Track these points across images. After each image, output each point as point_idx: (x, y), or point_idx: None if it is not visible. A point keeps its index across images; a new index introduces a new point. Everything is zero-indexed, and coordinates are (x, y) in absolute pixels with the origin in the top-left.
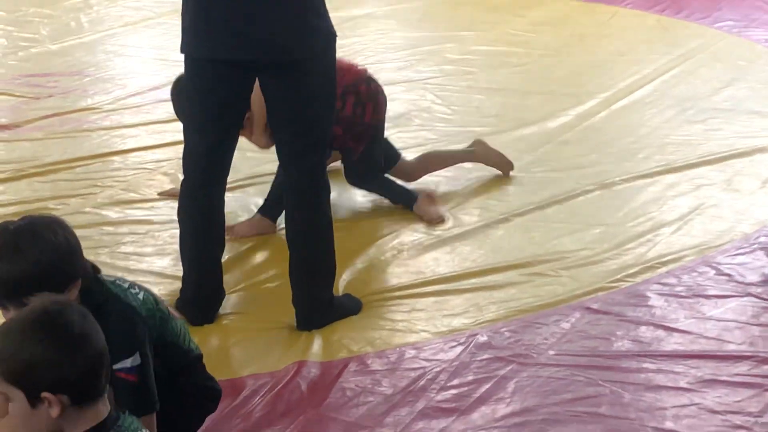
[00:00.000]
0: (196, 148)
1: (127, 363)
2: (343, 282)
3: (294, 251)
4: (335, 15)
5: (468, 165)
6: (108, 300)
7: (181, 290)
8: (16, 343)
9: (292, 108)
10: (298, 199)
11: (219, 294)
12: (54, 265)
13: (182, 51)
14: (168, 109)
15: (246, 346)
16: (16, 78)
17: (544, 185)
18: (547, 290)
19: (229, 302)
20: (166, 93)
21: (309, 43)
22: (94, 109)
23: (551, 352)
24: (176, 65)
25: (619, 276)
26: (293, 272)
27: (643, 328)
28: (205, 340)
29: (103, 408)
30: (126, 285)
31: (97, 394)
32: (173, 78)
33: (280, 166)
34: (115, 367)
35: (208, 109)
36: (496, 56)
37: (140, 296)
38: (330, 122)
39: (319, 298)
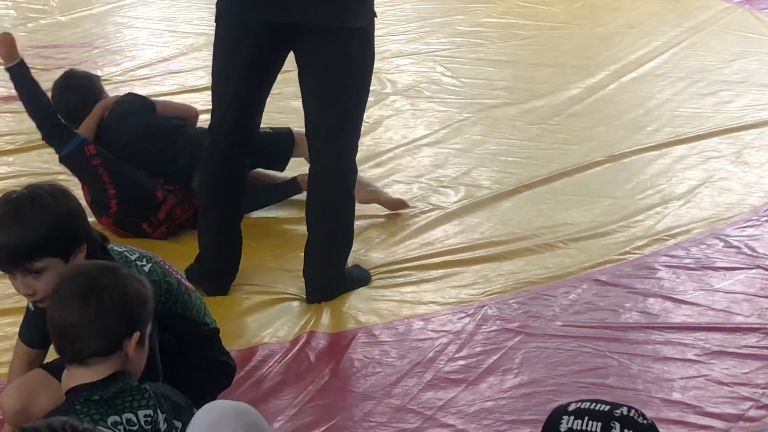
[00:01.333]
0: (221, 108)
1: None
2: (352, 253)
3: (315, 225)
4: None
5: (477, 137)
6: None
7: (198, 259)
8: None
9: (329, 82)
10: (325, 178)
11: (236, 264)
12: (55, 231)
13: (217, 19)
14: (177, 81)
15: (255, 317)
16: (26, 49)
17: (553, 158)
18: (555, 262)
19: (238, 274)
20: (176, 65)
21: (353, 14)
22: (104, 80)
23: (559, 324)
24: (186, 36)
25: (627, 248)
26: (311, 246)
27: (651, 300)
28: (215, 311)
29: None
30: (134, 256)
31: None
32: (183, 49)
33: None
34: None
35: (239, 66)
36: (506, 28)
37: (146, 268)
38: (364, 105)
39: (332, 272)
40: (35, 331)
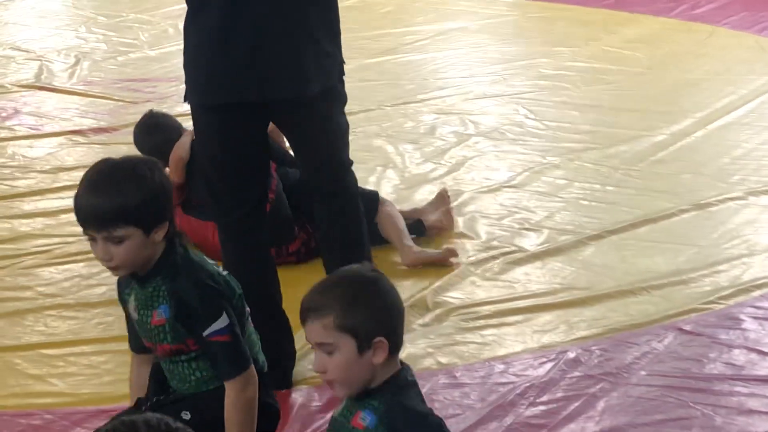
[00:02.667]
0: (228, 199)
1: (218, 325)
2: (430, 292)
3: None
4: (430, 28)
5: (561, 181)
6: (186, 263)
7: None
8: (353, 296)
9: (314, 146)
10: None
11: (293, 351)
12: (147, 202)
13: (186, 100)
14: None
15: None
16: (116, 82)
17: (637, 204)
18: (638, 309)
19: None
20: None
21: (323, 75)
22: (189, 115)
23: (642, 372)
24: None
25: (712, 298)
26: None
27: (736, 351)
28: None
29: (398, 361)
30: (211, 261)
31: (400, 347)
32: None
33: None
34: (207, 332)
35: (230, 152)
36: (590, 72)
37: (224, 273)
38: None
39: None
40: (133, 337)
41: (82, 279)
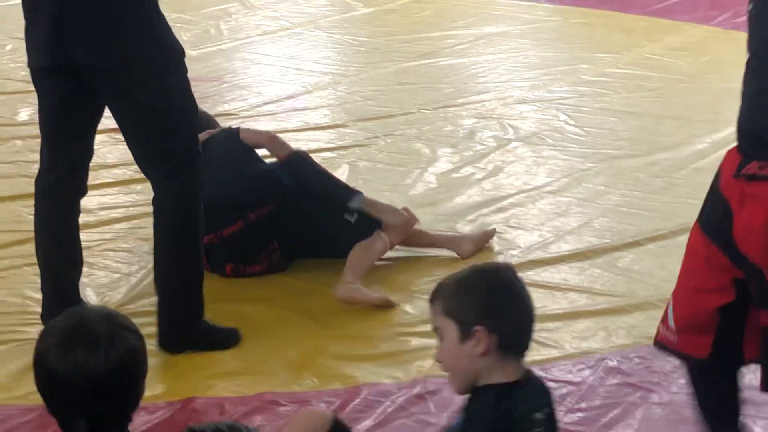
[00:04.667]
0: (45, 167)
1: None
2: None
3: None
4: (470, 32)
5: (600, 188)
6: None
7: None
8: (463, 282)
9: (131, 125)
10: (163, 220)
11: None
12: None
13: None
14: (302, 118)
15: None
16: None
17: (677, 211)
18: None
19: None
20: (302, 102)
21: (124, 47)
22: (231, 114)
23: (681, 381)
24: (312, 75)
25: None
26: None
27: None
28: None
29: (518, 371)
30: None
31: (519, 353)
32: (309, 87)
33: None
34: None
35: (50, 124)
36: (631, 79)
37: None
38: (184, 141)
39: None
40: None
41: (122, 276)
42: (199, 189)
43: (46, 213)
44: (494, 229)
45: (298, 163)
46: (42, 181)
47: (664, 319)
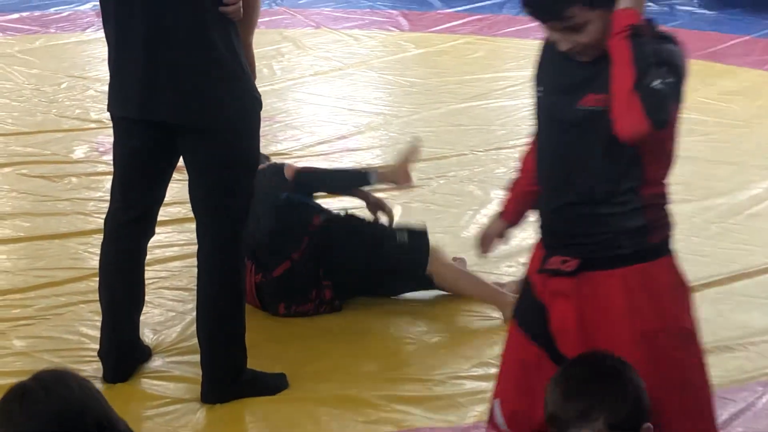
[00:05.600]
0: (116, 207)
1: None
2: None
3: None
4: (521, 74)
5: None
6: None
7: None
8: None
9: (205, 177)
10: (209, 269)
11: (134, 353)
12: None
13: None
14: (354, 158)
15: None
16: None
17: (733, 257)
18: (735, 365)
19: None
20: (354, 142)
21: (220, 109)
22: (284, 154)
23: (739, 429)
24: (364, 115)
25: None
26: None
27: None
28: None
29: None
30: None
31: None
32: (361, 127)
33: None
34: None
35: (126, 168)
36: (686, 123)
37: None
38: (247, 196)
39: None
40: None
41: (177, 315)
42: (242, 241)
43: (114, 252)
44: None
45: (305, 177)
46: (112, 220)
47: (491, 419)
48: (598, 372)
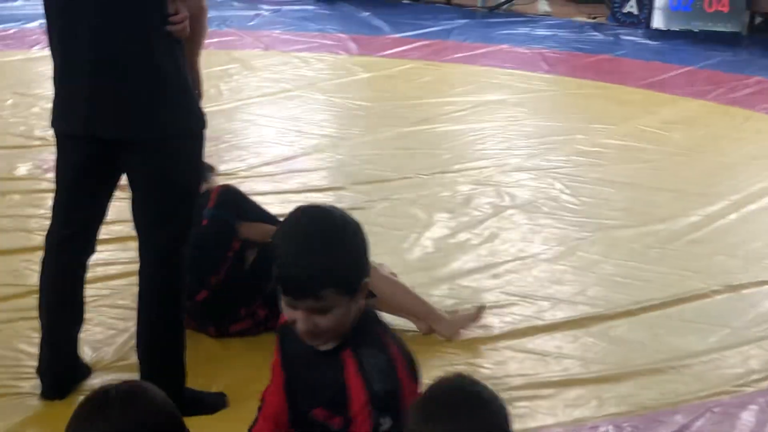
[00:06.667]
0: (58, 224)
1: None
2: (463, 364)
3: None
4: (468, 99)
5: (595, 257)
6: None
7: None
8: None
9: (147, 195)
10: (150, 287)
11: (73, 370)
12: None
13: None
14: (299, 180)
15: None
16: None
17: (671, 282)
18: (670, 388)
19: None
20: (299, 164)
21: (163, 126)
22: (229, 175)
23: None
24: (311, 137)
25: (743, 381)
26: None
27: None
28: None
29: None
30: None
31: None
32: (308, 149)
33: None
34: None
35: (69, 184)
36: (627, 151)
37: None
38: (188, 214)
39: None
40: None
41: (117, 332)
42: (184, 259)
43: (54, 269)
44: (484, 306)
45: (232, 196)
46: (53, 237)
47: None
48: (464, 396)
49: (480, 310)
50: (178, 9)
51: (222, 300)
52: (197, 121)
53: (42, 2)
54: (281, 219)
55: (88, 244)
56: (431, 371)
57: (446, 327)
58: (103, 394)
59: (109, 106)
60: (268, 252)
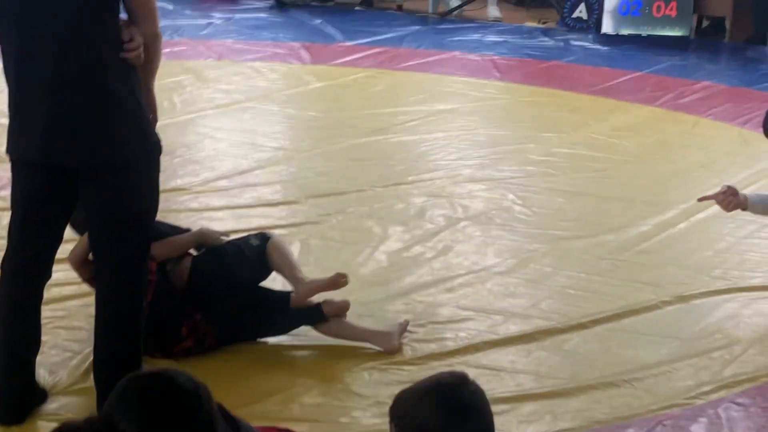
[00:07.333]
0: (14, 250)
1: None
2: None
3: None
4: (421, 108)
5: (547, 269)
6: None
7: None
8: (412, 404)
9: (104, 218)
10: (106, 310)
11: (30, 395)
12: None
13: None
14: (253, 194)
15: None
16: None
17: (622, 294)
18: (622, 402)
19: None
20: (254, 177)
21: (119, 151)
22: (183, 189)
23: None
24: (265, 150)
25: (693, 393)
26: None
27: None
28: None
29: None
30: None
31: None
32: (262, 162)
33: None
34: None
35: (25, 211)
36: (578, 159)
37: None
38: (145, 237)
39: None
40: None
41: (73, 354)
42: (143, 282)
43: (11, 295)
44: (407, 321)
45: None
46: (10, 263)
47: None
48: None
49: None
50: (132, 36)
51: (159, 322)
52: (153, 146)
53: None
54: (178, 226)
55: (44, 270)
56: (390, 387)
57: (387, 340)
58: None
59: (65, 133)
60: (199, 264)
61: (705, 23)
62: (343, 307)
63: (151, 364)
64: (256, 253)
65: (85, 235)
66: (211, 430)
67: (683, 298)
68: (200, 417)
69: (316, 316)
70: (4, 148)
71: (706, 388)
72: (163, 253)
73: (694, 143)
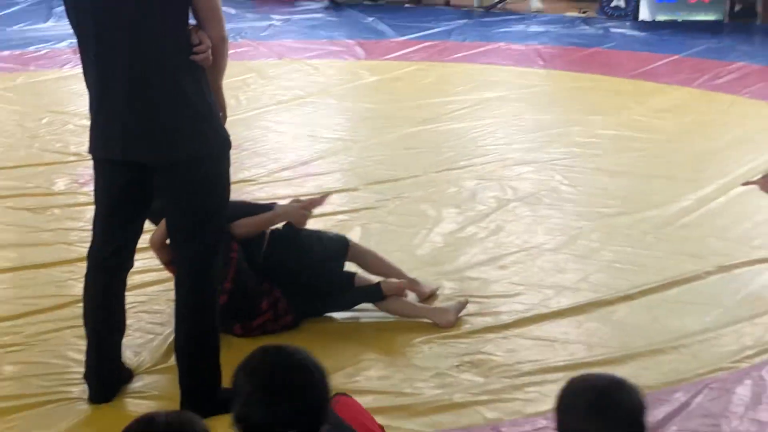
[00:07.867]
0: (98, 243)
1: None
2: (474, 351)
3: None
4: (469, 97)
5: (594, 245)
6: None
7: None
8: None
9: (180, 210)
10: (185, 293)
11: (118, 375)
12: None
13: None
14: (315, 183)
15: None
16: None
17: (666, 266)
18: (669, 368)
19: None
20: (315, 167)
21: (192, 147)
22: (251, 181)
23: (674, 428)
24: (324, 141)
25: (738, 357)
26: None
27: (761, 408)
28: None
29: None
30: None
31: None
32: (322, 153)
33: None
34: None
35: (108, 206)
36: (621, 140)
37: None
38: (219, 226)
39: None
40: None
41: (155, 336)
42: (217, 267)
43: (97, 286)
44: (467, 299)
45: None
46: (95, 256)
47: None
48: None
49: (463, 303)
50: (201, 39)
51: (241, 298)
52: (223, 142)
53: (73, 31)
54: (261, 203)
55: (126, 260)
56: (449, 359)
57: (442, 315)
58: (148, 422)
59: (142, 132)
60: (276, 239)
61: (737, 7)
62: (400, 287)
63: (229, 343)
64: (336, 242)
65: (164, 221)
66: (320, 409)
67: (725, 268)
68: (313, 393)
69: (375, 293)
70: (87, 147)
71: (749, 352)
72: (245, 232)
73: (731, 121)
